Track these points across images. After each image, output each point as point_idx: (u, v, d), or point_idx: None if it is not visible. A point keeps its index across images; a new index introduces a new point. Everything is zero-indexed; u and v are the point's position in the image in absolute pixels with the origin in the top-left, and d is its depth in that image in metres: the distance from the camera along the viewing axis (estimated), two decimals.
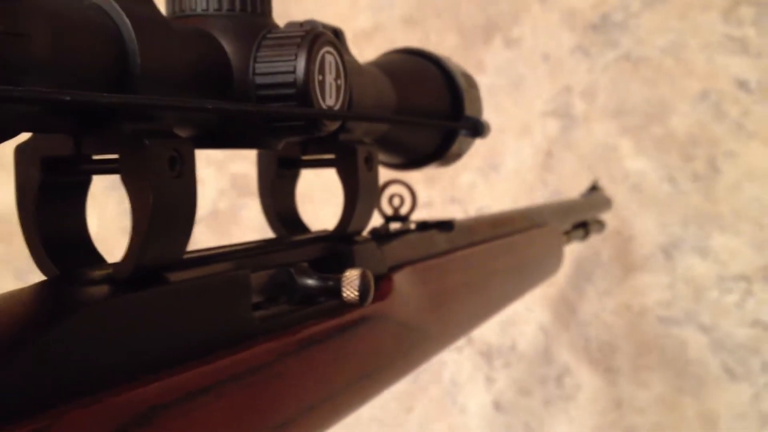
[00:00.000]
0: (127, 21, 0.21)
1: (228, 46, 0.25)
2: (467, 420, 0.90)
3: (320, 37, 0.26)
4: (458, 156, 0.42)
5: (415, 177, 0.90)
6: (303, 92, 0.25)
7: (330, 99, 0.26)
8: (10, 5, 0.16)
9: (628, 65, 0.86)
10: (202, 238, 0.94)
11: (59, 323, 0.18)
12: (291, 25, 0.27)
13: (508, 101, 0.89)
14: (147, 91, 0.21)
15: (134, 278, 0.21)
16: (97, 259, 0.25)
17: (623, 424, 0.85)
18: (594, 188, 0.78)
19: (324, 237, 0.32)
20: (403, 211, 0.41)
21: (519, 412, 0.88)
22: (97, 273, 0.22)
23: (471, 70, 0.42)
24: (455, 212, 0.89)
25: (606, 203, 0.76)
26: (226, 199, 0.95)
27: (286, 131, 0.26)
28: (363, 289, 0.26)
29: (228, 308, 0.24)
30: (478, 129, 0.39)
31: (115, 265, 0.22)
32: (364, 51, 0.39)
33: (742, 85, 0.82)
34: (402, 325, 0.34)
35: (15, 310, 0.20)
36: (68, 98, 0.17)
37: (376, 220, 0.35)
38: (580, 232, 0.68)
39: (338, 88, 0.27)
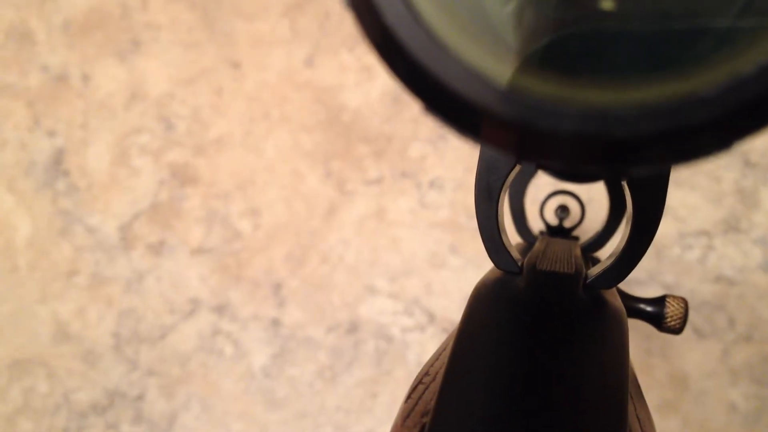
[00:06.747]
0: None
1: None
2: None
3: None
4: None
5: (361, 151, 0.86)
6: None
7: None
8: None
9: None
10: (143, 232, 0.88)
11: None
12: None
13: None
14: None
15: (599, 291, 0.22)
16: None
17: None
18: None
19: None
20: (566, 224, 0.44)
21: None
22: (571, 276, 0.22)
23: None
24: (408, 187, 0.85)
25: None
26: (167, 189, 0.90)
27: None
28: (686, 320, 0.26)
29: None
30: None
31: (603, 271, 0.22)
32: None
33: None
34: None
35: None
36: None
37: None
38: None
39: None
